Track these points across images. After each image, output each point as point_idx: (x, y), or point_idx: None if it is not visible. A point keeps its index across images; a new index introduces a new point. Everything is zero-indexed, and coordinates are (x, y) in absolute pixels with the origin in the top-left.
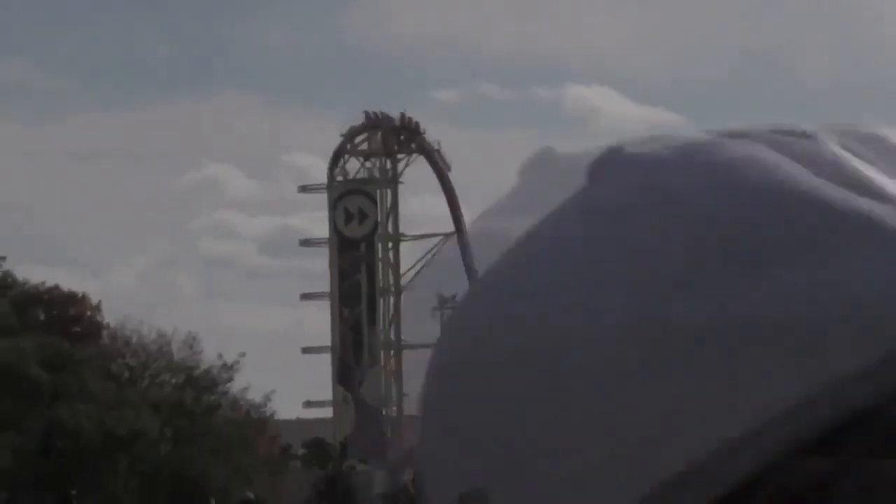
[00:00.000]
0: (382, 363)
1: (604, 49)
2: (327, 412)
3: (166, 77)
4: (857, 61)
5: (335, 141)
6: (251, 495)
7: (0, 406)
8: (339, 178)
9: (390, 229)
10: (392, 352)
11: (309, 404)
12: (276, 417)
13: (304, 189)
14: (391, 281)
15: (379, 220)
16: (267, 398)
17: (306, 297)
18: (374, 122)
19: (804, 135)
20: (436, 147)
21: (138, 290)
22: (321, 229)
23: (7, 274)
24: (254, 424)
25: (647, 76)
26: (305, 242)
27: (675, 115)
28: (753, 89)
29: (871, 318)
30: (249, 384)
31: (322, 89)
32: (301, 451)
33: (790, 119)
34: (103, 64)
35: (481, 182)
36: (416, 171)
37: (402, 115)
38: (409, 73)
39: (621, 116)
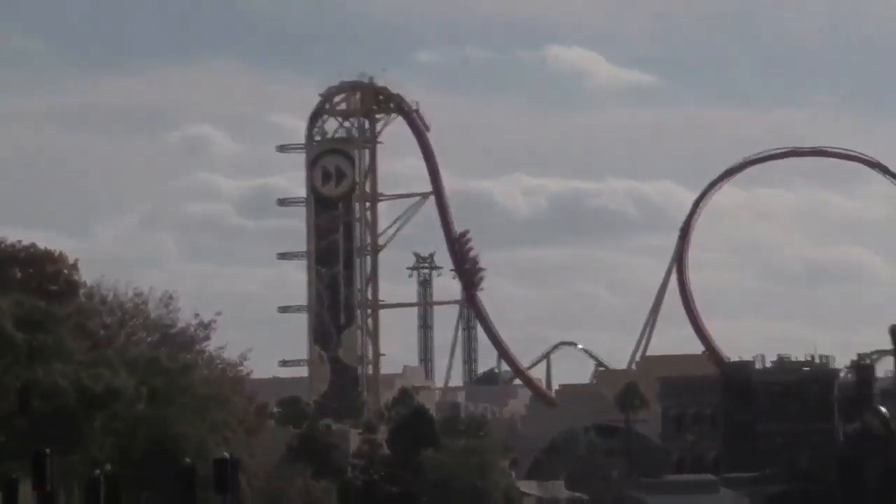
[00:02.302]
0: (359, 322)
1: (586, 11)
2: (303, 371)
3: (148, 41)
4: (842, 22)
5: (314, 102)
6: (226, 454)
7: None
8: (318, 138)
9: (368, 189)
10: (369, 311)
11: (285, 363)
12: (252, 376)
13: (282, 149)
14: (368, 240)
15: (357, 179)
16: (243, 357)
17: (283, 256)
18: (354, 83)
19: None
20: (414, 108)
21: (118, 250)
22: (299, 189)
23: None
24: (230, 383)
25: (629, 39)
26: (283, 202)
27: (657, 79)
28: (733, 53)
29: None
30: (226, 343)
31: (303, 51)
32: (276, 410)
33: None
34: (88, 28)
35: (461, 143)
36: (394, 132)
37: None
38: (390, 34)
39: (604, 79)
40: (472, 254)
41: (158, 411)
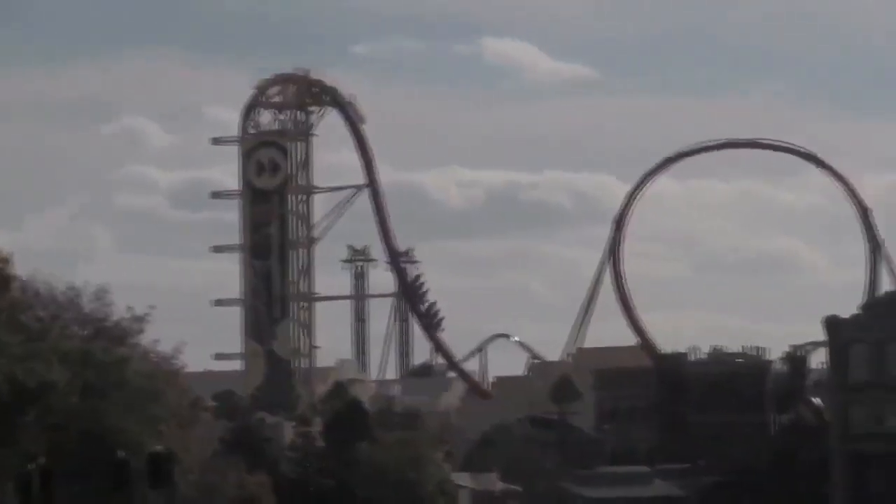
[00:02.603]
0: (293, 315)
1: (522, 3)
2: (238, 364)
3: (83, 33)
4: (780, 13)
5: (249, 94)
6: (161, 448)
7: None
8: (252, 131)
9: (302, 181)
10: (303, 304)
11: (219, 357)
12: (186, 370)
13: (216, 141)
14: (303, 233)
15: (291, 172)
16: (177, 350)
17: (217, 249)
18: (289, 76)
19: None
20: (349, 100)
21: (52, 243)
22: (233, 182)
23: None
24: (164, 376)
25: (566, 31)
26: (217, 195)
27: (594, 71)
28: (671, 45)
29: None
30: (160, 337)
31: (238, 44)
32: (211, 404)
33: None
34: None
35: (396, 135)
36: (329, 124)
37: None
38: (326, 27)
39: (541, 71)
40: (407, 247)
41: (92, 405)
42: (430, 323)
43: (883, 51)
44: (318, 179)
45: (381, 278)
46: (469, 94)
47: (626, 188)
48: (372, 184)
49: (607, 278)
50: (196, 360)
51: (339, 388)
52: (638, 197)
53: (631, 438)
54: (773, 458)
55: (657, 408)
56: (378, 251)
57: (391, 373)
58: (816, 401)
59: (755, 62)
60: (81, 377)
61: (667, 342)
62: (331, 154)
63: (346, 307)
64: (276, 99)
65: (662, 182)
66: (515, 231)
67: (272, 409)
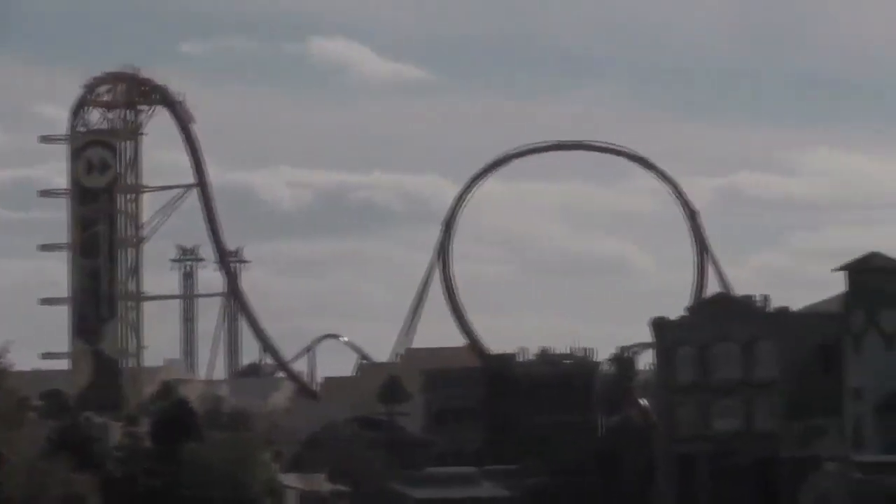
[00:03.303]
0: (122, 315)
1: (352, 3)
2: (65, 364)
3: None
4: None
5: (78, 92)
6: None
7: None
8: (81, 129)
9: (132, 180)
10: (132, 303)
11: (47, 356)
12: (13, 369)
13: (45, 140)
14: (132, 232)
15: (120, 171)
16: (4, 350)
17: (45, 248)
18: (118, 74)
19: None
20: (179, 99)
21: None
22: (62, 180)
23: None
24: None
25: (397, 31)
26: (45, 193)
27: (425, 72)
28: (502, 46)
29: None
30: None
31: (67, 41)
32: (38, 403)
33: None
34: None
35: (226, 135)
36: (159, 123)
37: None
38: (156, 26)
39: (371, 72)
40: (236, 246)
41: None
42: (259, 323)
43: (711, 55)
44: (148, 178)
45: (211, 278)
46: (299, 93)
47: (456, 190)
48: (201, 183)
49: (437, 279)
50: (23, 359)
51: (167, 388)
52: (467, 199)
53: (459, 439)
54: (600, 459)
55: (485, 409)
56: (208, 251)
57: (220, 373)
58: (643, 402)
59: (584, 65)
60: None
61: (496, 343)
62: (160, 153)
63: (175, 307)
64: (106, 97)
65: (491, 184)
66: (345, 231)
67: (100, 408)
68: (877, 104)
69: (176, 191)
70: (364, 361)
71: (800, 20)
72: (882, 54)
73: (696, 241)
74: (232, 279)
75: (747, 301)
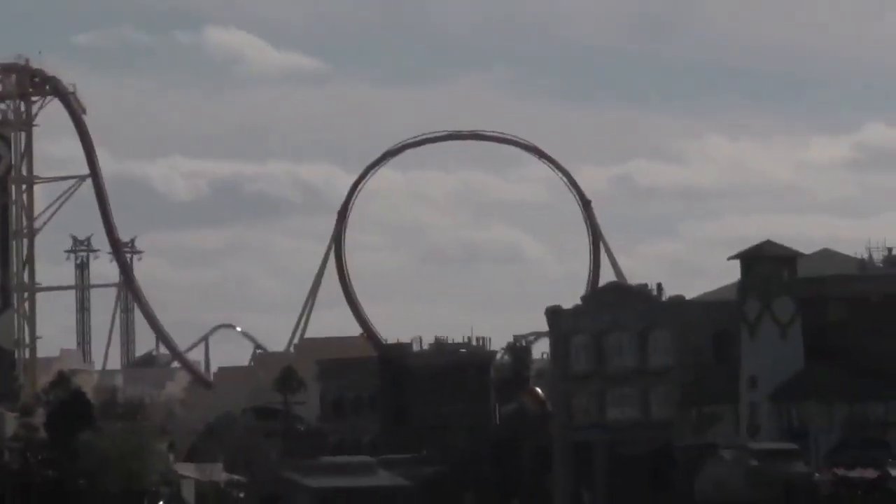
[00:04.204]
0: (16, 306)
1: None
2: None
3: None
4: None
5: None
6: None
7: None
8: None
9: (24, 171)
10: (25, 295)
11: None
12: None
13: None
14: (25, 223)
15: (13, 162)
16: None
17: None
18: (9, 65)
19: None
20: (71, 90)
21: None
22: None
23: None
24: None
25: (290, 22)
26: None
27: (318, 62)
28: (395, 36)
29: None
30: None
31: None
32: None
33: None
34: None
35: (119, 126)
36: (51, 114)
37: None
38: (47, 15)
39: (265, 62)
40: (130, 237)
41: None
42: (153, 313)
43: (604, 44)
44: (40, 169)
45: (105, 269)
46: (193, 83)
47: (350, 179)
48: (94, 174)
49: (332, 269)
50: None
51: (62, 379)
52: (361, 188)
53: (355, 429)
54: (496, 448)
55: (381, 398)
56: (101, 241)
57: (115, 363)
58: (538, 390)
59: (477, 53)
60: None
61: (391, 333)
62: (53, 144)
63: (70, 297)
64: None
65: (385, 173)
66: (240, 221)
67: None
68: (761, 91)
69: (69, 182)
70: (259, 351)
71: (687, 7)
72: (768, 43)
73: (590, 229)
74: (126, 270)
75: (642, 290)
